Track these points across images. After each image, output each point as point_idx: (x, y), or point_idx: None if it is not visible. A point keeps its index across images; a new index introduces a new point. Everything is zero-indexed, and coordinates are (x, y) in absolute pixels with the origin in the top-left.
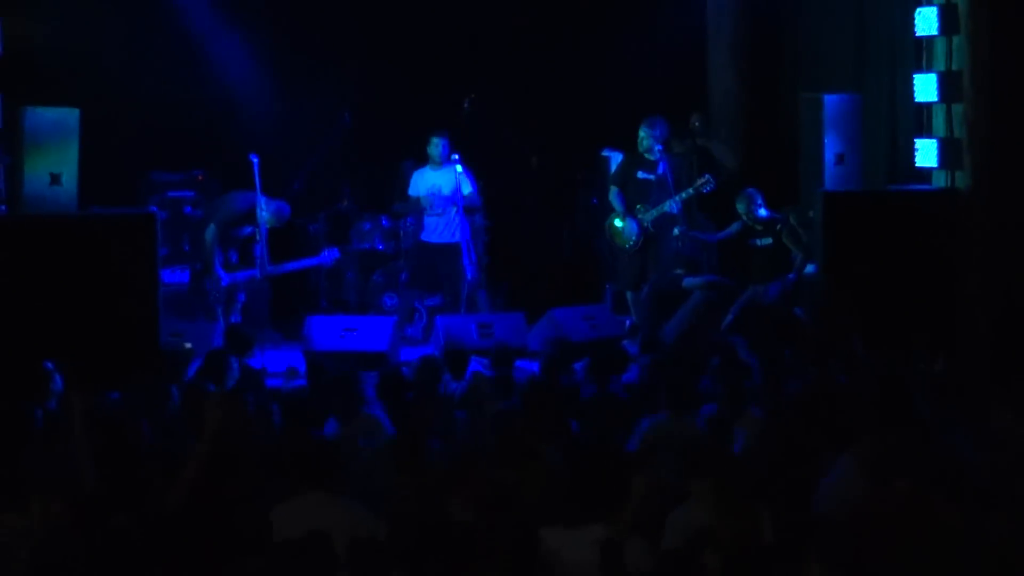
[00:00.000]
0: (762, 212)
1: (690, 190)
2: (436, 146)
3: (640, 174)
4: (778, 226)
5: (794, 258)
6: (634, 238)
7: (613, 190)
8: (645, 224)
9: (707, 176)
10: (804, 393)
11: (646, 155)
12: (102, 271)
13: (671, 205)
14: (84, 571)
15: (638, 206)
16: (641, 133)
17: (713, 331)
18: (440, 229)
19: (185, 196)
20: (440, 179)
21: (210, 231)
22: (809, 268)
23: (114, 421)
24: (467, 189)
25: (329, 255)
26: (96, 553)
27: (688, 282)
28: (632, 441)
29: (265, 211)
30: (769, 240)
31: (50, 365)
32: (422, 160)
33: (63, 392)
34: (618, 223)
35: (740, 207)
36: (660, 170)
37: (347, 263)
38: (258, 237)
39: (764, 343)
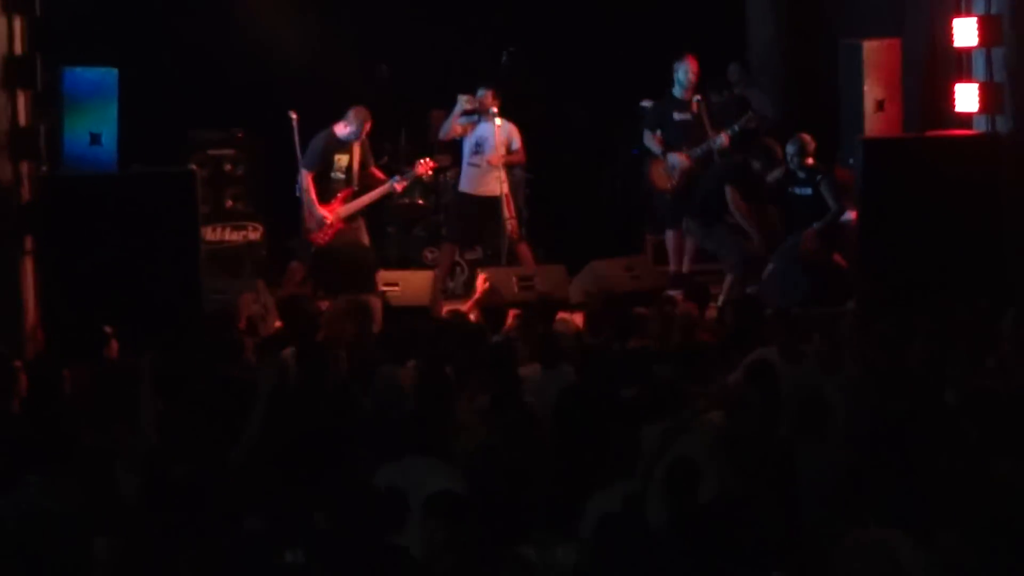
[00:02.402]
0: (808, 160)
1: (735, 126)
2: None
3: (676, 115)
4: (818, 177)
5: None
6: (676, 171)
7: (647, 133)
8: (692, 158)
9: (750, 112)
10: None
11: (678, 94)
12: (143, 230)
13: (718, 140)
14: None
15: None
16: (680, 67)
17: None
18: (480, 181)
19: (224, 154)
20: (484, 131)
21: (304, 176)
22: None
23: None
24: (515, 145)
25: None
26: (160, 507)
27: None
28: None
29: (348, 128)
30: (808, 190)
31: (108, 329)
32: (447, 109)
33: (121, 354)
34: (659, 162)
35: (790, 149)
36: (696, 109)
37: (388, 218)
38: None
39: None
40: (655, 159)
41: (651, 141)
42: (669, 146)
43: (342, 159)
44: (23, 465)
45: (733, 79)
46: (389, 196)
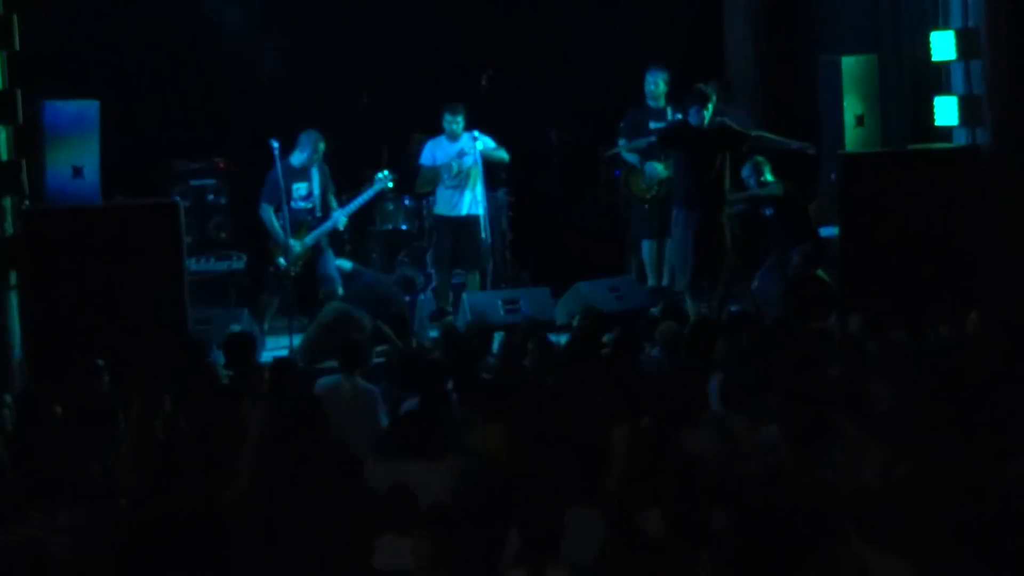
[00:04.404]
0: (768, 179)
1: None
2: (453, 122)
3: (652, 125)
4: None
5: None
6: (656, 185)
7: (622, 143)
8: (668, 173)
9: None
10: None
11: (652, 103)
12: (128, 262)
13: None
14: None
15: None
16: (648, 78)
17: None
18: (457, 201)
19: (207, 183)
20: (459, 148)
21: (264, 211)
22: (831, 230)
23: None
24: (491, 144)
25: (384, 179)
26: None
27: None
28: None
29: (302, 154)
30: (771, 210)
31: (100, 363)
32: (429, 133)
33: (111, 390)
34: (638, 176)
35: (744, 173)
36: (670, 118)
37: (372, 244)
38: (306, 192)
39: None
40: (632, 169)
41: (628, 153)
42: (646, 155)
43: (301, 187)
44: (16, 499)
45: None
46: (372, 222)
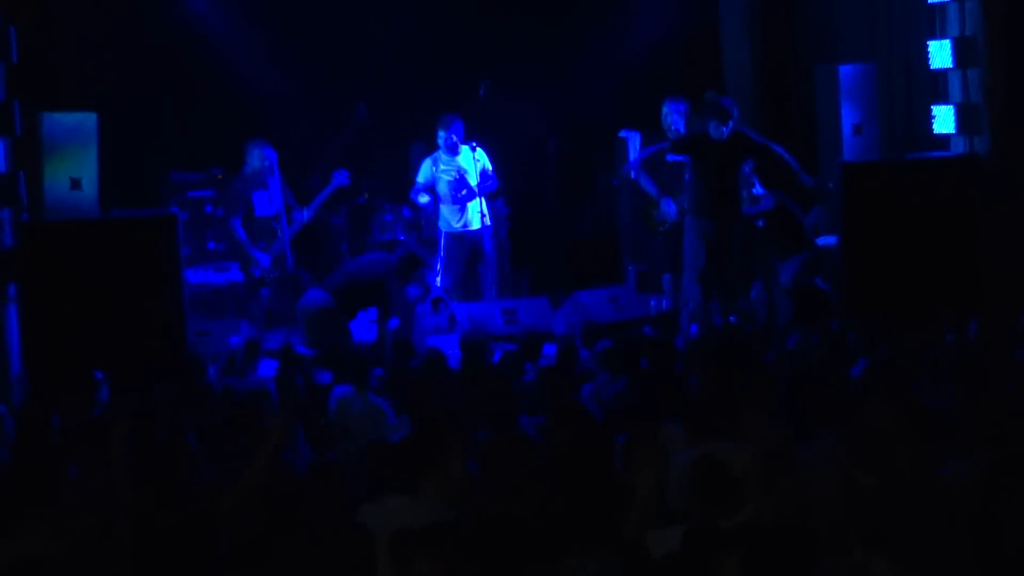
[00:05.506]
0: (757, 190)
1: None
2: (448, 137)
3: (669, 156)
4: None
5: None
6: (670, 219)
7: (644, 176)
8: (682, 206)
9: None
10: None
11: (670, 136)
12: (126, 274)
13: None
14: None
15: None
16: (665, 109)
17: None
18: (468, 217)
19: (205, 195)
20: (461, 164)
21: (232, 224)
22: (830, 239)
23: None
24: (488, 166)
25: (340, 176)
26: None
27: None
28: None
29: (253, 163)
30: (761, 221)
31: (100, 375)
32: (431, 145)
33: (108, 403)
34: (653, 208)
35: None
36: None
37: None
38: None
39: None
40: (649, 201)
41: (646, 183)
42: (663, 189)
43: (260, 195)
44: (10, 512)
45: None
46: (370, 233)
